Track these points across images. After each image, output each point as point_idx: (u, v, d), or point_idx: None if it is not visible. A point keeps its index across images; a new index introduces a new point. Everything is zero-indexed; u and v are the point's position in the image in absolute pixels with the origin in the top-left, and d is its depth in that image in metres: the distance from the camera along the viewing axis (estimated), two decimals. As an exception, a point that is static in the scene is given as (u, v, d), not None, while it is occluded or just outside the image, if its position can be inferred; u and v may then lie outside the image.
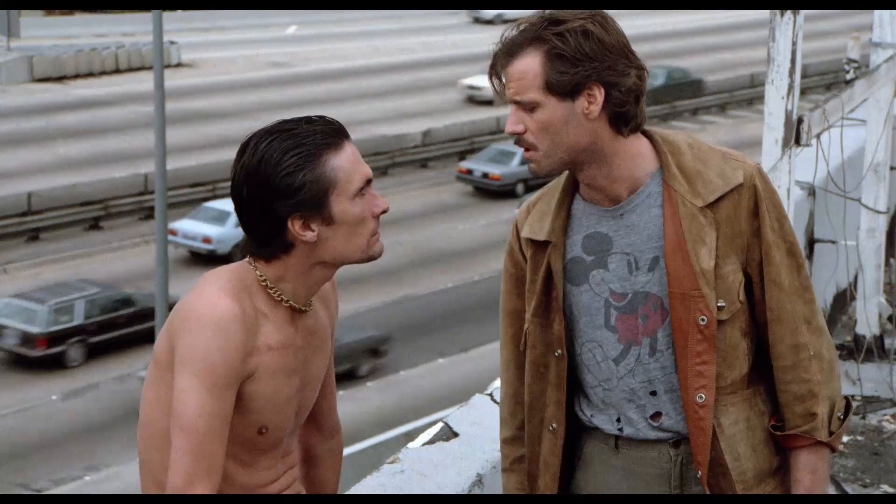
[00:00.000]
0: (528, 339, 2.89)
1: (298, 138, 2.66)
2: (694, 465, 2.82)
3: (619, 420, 2.85)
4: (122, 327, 25.91)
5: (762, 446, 2.85)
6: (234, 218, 28.75)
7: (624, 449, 2.86)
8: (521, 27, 2.73)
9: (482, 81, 43.43)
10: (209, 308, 2.63)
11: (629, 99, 2.72)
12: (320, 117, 2.72)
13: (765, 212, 2.79)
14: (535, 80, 2.70)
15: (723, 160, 2.80)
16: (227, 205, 30.51)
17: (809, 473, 2.84)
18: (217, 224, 30.83)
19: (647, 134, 2.83)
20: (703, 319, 2.75)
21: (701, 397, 2.77)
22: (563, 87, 2.69)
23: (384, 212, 2.73)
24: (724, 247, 2.77)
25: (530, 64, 2.70)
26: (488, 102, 42.84)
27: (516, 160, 35.39)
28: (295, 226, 2.66)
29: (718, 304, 2.76)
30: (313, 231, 2.67)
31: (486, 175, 36.24)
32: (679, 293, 2.75)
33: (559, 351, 2.84)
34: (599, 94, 2.70)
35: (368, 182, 2.70)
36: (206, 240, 30.58)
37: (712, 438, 2.80)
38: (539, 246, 2.86)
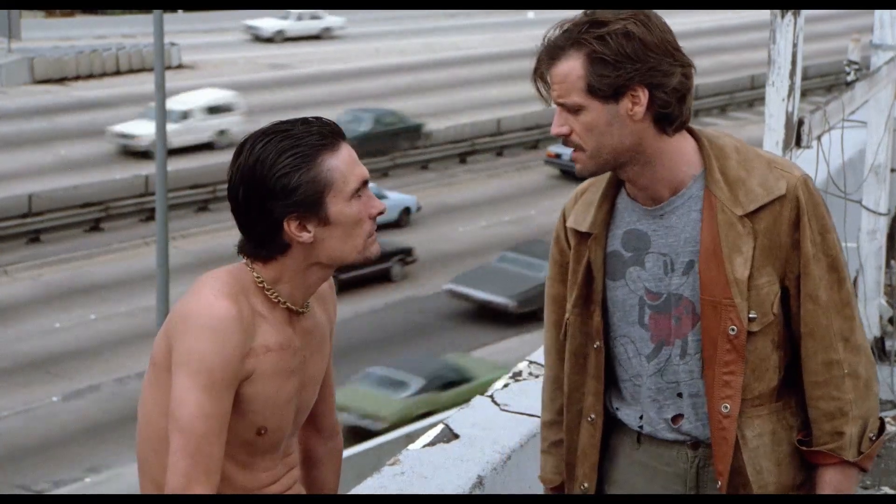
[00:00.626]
0: (568, 329, 2.90)
1: (294, 139, 2.66)
2: (713, 471, 2.81)
3: (641, 417, 2.86)
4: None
5: (787, 460, 2.82)
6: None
7: (645, 444, 2.87)
8: (564, 28, 2.72)
9: (136, 129, 38.41)
10: (206, 310, 2.63)
11: (673, 99, 2.71)
12: (317, 118, 2.72)
13: (806, 224, 2.75)
14: (577, 82, 2.69)
15: (768, 169, 2.77)
16: None
17: (833, 492, 2.80)
18: None
19: (693, 134, 2.81)
20: (732, 329, 2.73)
21: (726, 407, 2.76)
22: (605, 91, 2.68)
23: (381, 213, 2.74)
24: (761, 257, 2.74)
25: (572, 67, 2.69)
26: (144, 154, 37.07)
27: None
28: (291, 227, 2.67)
29: (750, 315, 2.73)
30: (309, 232, 2.67)
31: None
32: (710, 300, 2.73)
33: (597, 343, 2.85)
34: (643, 96, 2.69)
35: (365, 183, 2.71)
36: None
37: (735, 449, 2.78)
38: (582, 236, 2.86)
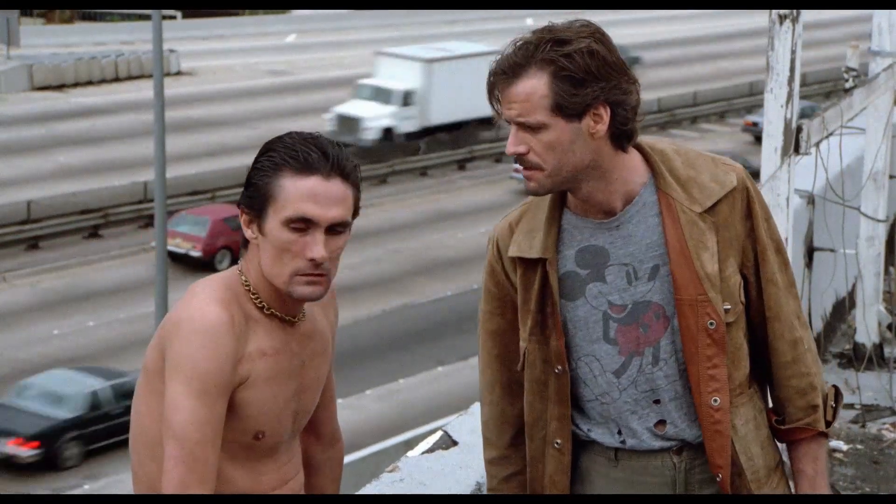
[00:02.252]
0: (526, 358, 2.87)
1: (281, 147, 2.67)
2: (700, 472, 2.83)
3: (620, 432, 2.84)
4: None
5: (767, 442, 2.88)
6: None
7: (624, 460, 2.85)
8: (521, 46, 2.70)
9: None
10: (198, 316, 2.64)
11: (632, 116, 2.73)
12: (324, 146, 2.66)
13: (757, 212, 2.83)
14: (541, 101, 2.67)
15: (713, 164, 2.83)
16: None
17: (812, 462, 2.88)
18: None
19: (634, 144, 2.83)
20: (711, 324, 2.76)
21: (716, 401, 2.78)
22: (572, 109, 2.68)
23: (314, 262, 2.65)
24: (724, 250, 2.79)
25: (536, 85, 2.67)
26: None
27: None
28: (242, 217, 2.71)
29: (725, 307, 2.78)
30: (252, 232, 2.69)
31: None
32: (687, 299, 2.76)
33: (559, 367, 2.83)
34: (605, 114, 2.69)
35: (306, 221, 2.64)
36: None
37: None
38: (530, 264, 2.83)
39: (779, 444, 2.94)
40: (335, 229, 2.66)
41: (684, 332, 2.77)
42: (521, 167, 2.75)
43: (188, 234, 30.92)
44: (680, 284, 2.76)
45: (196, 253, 30.49)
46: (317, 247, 2.64)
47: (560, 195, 2.82)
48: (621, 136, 2.73)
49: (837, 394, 2.92)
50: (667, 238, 2.76)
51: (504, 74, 2.69)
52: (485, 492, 3.67)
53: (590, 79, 2.66)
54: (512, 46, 2.71)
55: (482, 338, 2.95)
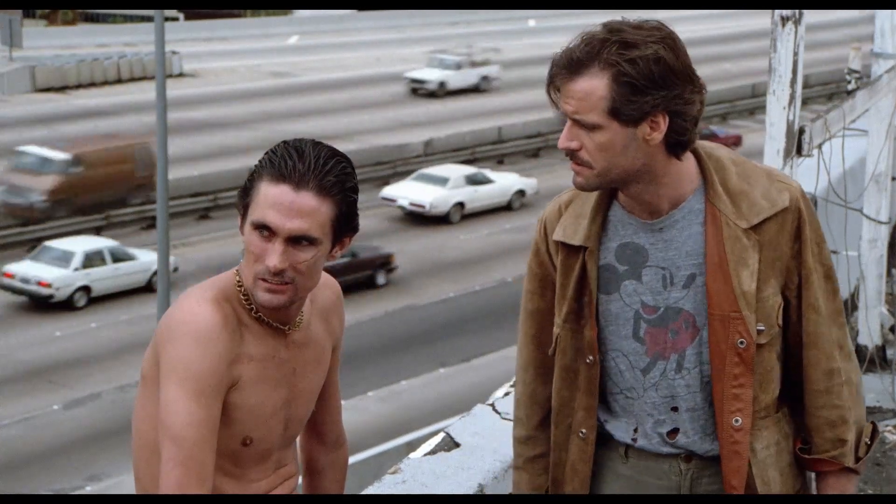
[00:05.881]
0: (558, 344, 2.85)
1: (269, 152, 2.67)
2: (708, 484, 2.81)
3: (635, 430, 2.83)
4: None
5: (788, 469, 2.84)
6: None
7: (633, 458, 2.84)
8: (587, 42, 2.64)
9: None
10: (190, 317, 2.63)
11: (691, 126, 2.68)
12: (305, 157, 2.62)
13: (807, 235, 2.76)
14: (599, 102, 2.63)
15: (769, 181, 2.76)
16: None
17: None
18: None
19: (691, 148, 2.78)
20: (741, 343, 2.72)
21: (737, 421, 2.75)
22: (629, 115, 2.63)
23: (269, 270, 2.62)
24: (766, 269, 2.74)
25: (596, 86, 2.62)
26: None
27: None
28: (239, 215, 2.70)
29: (758, 328, 2.73)
30: (242, 232, 2.69)
31: None
32: (719, 315, 2.72)
33: (591, 357, 2.81)
34: (664, 122, 2.65)
35: (268, 229, 2.62)
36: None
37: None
38: (572, 250, 2.81)
39: (807, 474, 2.89)
40: (300, 241, 2.62)
41: (713, 346, 2.73)
42: (571, 160, 2.71)
43: None
44: (714, 298, 2.72)
45: None
46: (272, 255, 2.62)
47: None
48: (677, 145, 2.68)
49: (874, 431, 2.86)
50: (707, 249, 2.72)
51: (566, 69, 2.65)
52: (486, 493, 3.68)
53: (651, 87, 2.61)
54: (578, 40, 2.65)
55: (522, 317, 2.94)
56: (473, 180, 35.69)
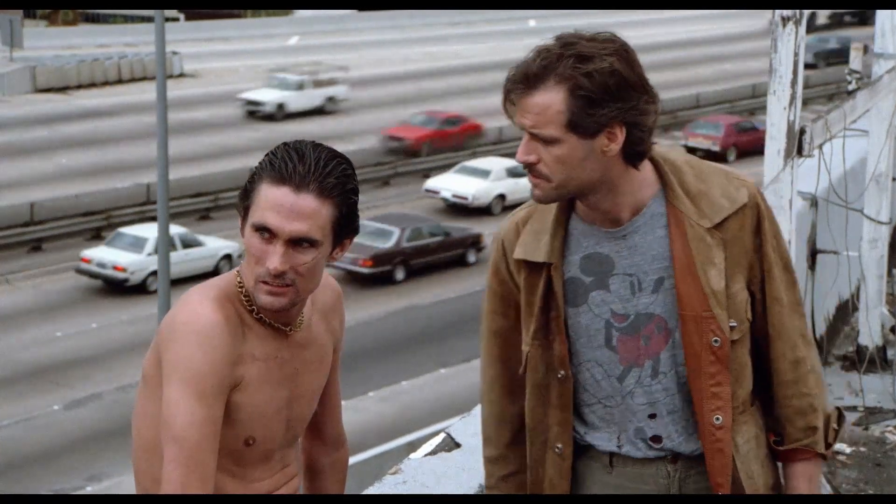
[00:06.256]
0: (528, 362, 2.85)
1: (270, 153, 2.66)
2: (695, 483, 2.82)
3: (619, 437, 2.83)
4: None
5: (767, 461, 2.87)
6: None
7: (619, 466, 2.84)
8: (542, 56, 2.66)
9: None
10: (193, 317, 2.63)
11: (647, 136, 2.70)
12: (306, 158, 2.62)
13: (766, 229, 2.80)
14: (556, 116, 2.64)
15: (725, 179, 2.79)
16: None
17: (806, 482, 2.88)
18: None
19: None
20: (716, 341, 2.74)
21: (718, 419, 2.77)
22: (587, 128, 2.64)
23: (270, 272, 2.62)
24: (732, 266, 2.77)
25: (553, 99, 2.64)
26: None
27: None
28: (240, 218, 2.70)
29: (730, 325, 2.76)
30: (243, 234, 2.69)
31: None
32: (691, 315, 2.74)
33: (562, 372, 2.81)
34: (621, 134, 2.66)
35: (268, 231, 2.62)
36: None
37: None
38: (535, 267, 2.81)
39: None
40: (300, 243, 2.62)
41: (687, 347, 2.75)
42: (528, 173, 2.72)
43: (707, 134, 41.60)
44: (684, 299, 2.73)
45: (715, 148, 40.68)
46: (273, 257, 2.62)
47: (568, 199, 2.80)
48: (634, 155, 2.70)
49: (840, 416, 2.89)
50: (673, 251, 2.74)
51: (522, 83, 2.66)
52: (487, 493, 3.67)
53: (608, 99, 2.62)
54: (533, 53, 2.66)
55: (485, 337, 2.94)
56: (514, 173, 36.03)
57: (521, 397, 2.91)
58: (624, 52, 2.66)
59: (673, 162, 2.79)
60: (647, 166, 2.77)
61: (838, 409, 2.91)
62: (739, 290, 2.78)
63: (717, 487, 2.80)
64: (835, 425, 2.88)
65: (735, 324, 2.76)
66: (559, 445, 2.86)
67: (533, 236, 2.82)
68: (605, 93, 2.62)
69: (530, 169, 2.71)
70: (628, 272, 2.77)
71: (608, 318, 2.78)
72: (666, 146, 2.88)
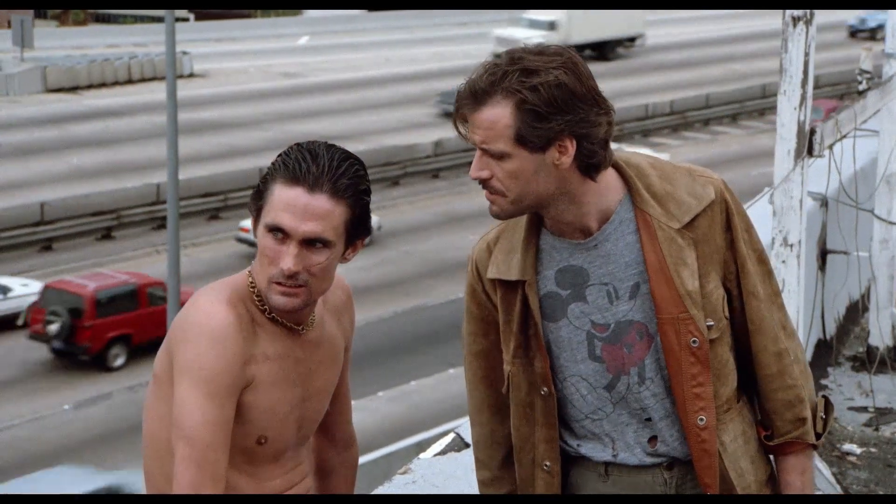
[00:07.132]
0: (511, 381, 2.83)
1: (283, 154, 2.67)
2: (693, 487, 2.81)
3: (613, 446, 2.82)
4: None
5: (757, 456, 2.87)
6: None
7: (615, 475, 2.83)
8: (489, 72, 2.66)
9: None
10: (205, 318, 2.64)
11: (599, 148, 2.68)
12: (319, 159, 2.64)
13: (736, 224, 2.79)
14: (504, 131, 2.64)
15: (690, 178, 2.78)
16: None
17: (800, 475, 2.87)
18: None
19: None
20: (694, 342, 2.73)
21: (702, 419, 2.76)
22: (535, 142, 2.64)
23: (283, 272, 2.64)
24: (705, 265, 2.76)
25: (500, 114, 2.64)
26: None
27: None
28: (251, 217, 2.71)
29: (708, 324, 2.75)
30: (255, 234, 2.70)
31: None
32: (668, 318, 2.73)
33: (545, 389, 2.80)
34: (571, 146, 2.66)
35: (282, 231, 2.63)
36: None
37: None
38: (510, 286, 2.80)
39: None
40: (314, 244, 2.64)
41: (667, 350, 2.74)
42: (483, 189, 2.72)
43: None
44: (660, 303, 2.72)
45: None
46: (287, 258, 2.63)
47: (535, 215, 2.79)
48: (589, 167, 2.69)
49: (828, 405, 2.89)
50: (645, 256, 2.73)
51: (470, 99, 2.66)
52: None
53: (554, 112, 2.62)
54: (482, 69, 2.67)
55: (467, 360, 2.92)
56: None
57: (510, 417, 2.89)
58: (571, 65, 2.65)
59: (637, 165, 2.78)
60: (610, 173, 2.75)
61: (825, 397, 2.90)
62: (714, 289, 2.77)
63: (705, 488, 2.79)
64: (822, 414, 2.87)
65: (712, 323, 2.75)
66: (547, 463, 2.84)
67: (504, 255, 2.82)
68: (552, 106, 2.62)
69: (484, 185, 2.71)
70: (604, 281, 2.76)
71: (589, 328, 2.77)
72: (628, 151, 2.86)
